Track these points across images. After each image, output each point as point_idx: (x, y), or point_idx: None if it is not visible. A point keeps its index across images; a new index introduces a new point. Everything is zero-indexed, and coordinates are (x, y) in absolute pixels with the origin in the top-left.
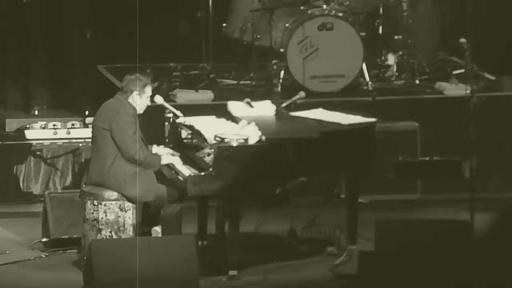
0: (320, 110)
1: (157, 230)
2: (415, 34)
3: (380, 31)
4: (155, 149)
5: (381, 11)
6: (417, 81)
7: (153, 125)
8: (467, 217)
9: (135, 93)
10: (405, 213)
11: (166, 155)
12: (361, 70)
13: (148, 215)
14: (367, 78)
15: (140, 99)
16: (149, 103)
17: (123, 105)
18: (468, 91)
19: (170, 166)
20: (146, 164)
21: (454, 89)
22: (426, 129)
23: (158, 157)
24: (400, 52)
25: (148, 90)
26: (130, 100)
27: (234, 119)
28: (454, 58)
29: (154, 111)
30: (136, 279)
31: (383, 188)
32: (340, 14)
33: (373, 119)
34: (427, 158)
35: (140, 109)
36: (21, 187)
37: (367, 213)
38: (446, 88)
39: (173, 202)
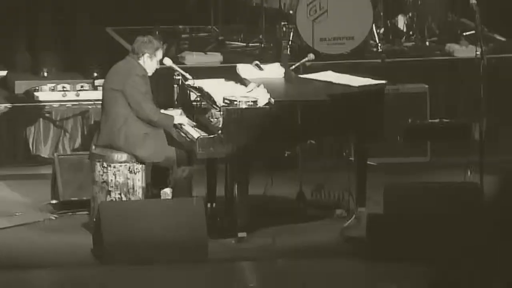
0: (330, 72)
1: (166, 192)
2: None
3: None
4: (166, 111)
5: None
6: (427, 43)
7: (162, 88)
8: (476, 180)
9: (146, 55)
10: (414, 176)
11: (178, 116)
12: (371, 32)
13: (157, 177)
14: (377, 40)
15: (151, 62)
16: (158, 66)
17: (134, 66)
18: (478, 53)
19: (179, 129)
20: (159, 123)
21: (464, 51)
22: (435, 91)
23: (171, 116)
24: (410, 14)
25: (159, 54)
26: (140, 62)
27: (243, 82)
28: (464, 20)
29: (163, 74)
30: (145, 241)
31: (392, 151)
32: None
33: (382, 81)
34: (437, 121)
35: (150, 72)
36: (30, 149)
37: (376, 176)
38: (456, 50)
39: (182, 165)
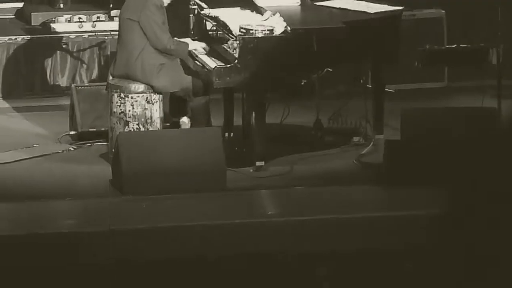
0: None
1: (184, 121)
2: None
3: None
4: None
5: None
6: None
7: (178, 18)
8: (494, 104)
9: None
10: (431, 102)
11: (193, 42)
12: None
13: (175, 106)
14: None
15: None
16: None
17: None
18: None
19: (195, 58)
20: (175, 51)
21: None
22: (452, 16)
23: (185, 44)
24: None
25: None
26: None
27: (259, 10)
28: None
29: (178, 3)
30: (163, 171)
31: (409, 77)
32: None
33: (399, 7)
34: (454, 46)
35: (166, 1)
36: (48, 80)
37: (394, 103)
38: None
39: (199, 94)
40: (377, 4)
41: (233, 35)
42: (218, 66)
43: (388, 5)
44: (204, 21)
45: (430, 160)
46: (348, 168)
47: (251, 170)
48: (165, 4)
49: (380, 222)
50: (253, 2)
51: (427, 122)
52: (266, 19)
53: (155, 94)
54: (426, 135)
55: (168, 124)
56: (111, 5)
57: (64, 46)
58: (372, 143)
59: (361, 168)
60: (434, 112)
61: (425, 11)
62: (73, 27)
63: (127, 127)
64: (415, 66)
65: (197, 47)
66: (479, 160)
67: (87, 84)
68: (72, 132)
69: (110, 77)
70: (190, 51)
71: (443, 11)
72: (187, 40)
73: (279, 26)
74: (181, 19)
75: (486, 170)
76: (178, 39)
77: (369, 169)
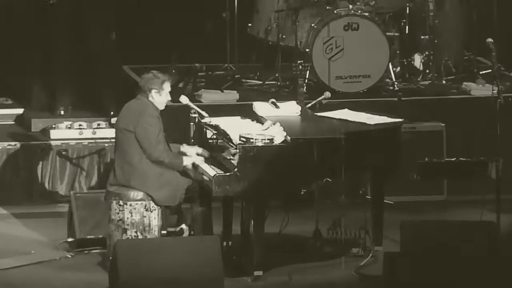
0: (346, 110)
1: (183, 228)
2: (441, 34)
3: (406, 31)
4: (185, 148)
5: (407, 11)
6: (443, 81)
7: (179, 125)
8: (493, 218)
9: (154, 91)
10: (431, 214)
11: (190, 156)
12: (387, 70)
13: (173, 214)
14: (393, 78)
15: (160, 97)
16: (169, 98)
17: (146, 106)
18: (495, 92)
19: (195, 166)
20: (169, 165)
21: (480, 90)
22: (452, 130)
23: (180, 158)
24: (426, 52)
25: (167, 86)
26: (150, 99)
27: (259, 120)
28: (480, 58)
29: (179, 111)
30: (161, 279)
31: (409, 189)
32: (366, 14)
33: (399, 120)
34: (453, 159)
35: (161, 106)
36: (47, 187)
37: (393, 214)
38: (472, 88)
39: (198, 202)
40: (377, 116)
41: (233, 143)
42: (217, 175)
43: (388, 117)
44: (205, 129)
45: (429, 273)
46: (347, 280)
47: (249, 280)
48: (162, 108)
49: None
50: (254, 111)
51: (427, 235)
52: (266, 129)
53: (153, 202)
54: (425, 248)
55: (166, 232)
56: (111, 113)
57: (63, 152)
58: (371, 254)
59: (360, 280)
60: (434, 225)
61: (425, 124)
62: (73, 133)
63: (125, 234)
64: (414, 178)
65: (192, 162)
66: (479, 274)
67: (86, 191)
68: (70, 239)
69: (109, 185)
70: (190, 161)
71: (443, 125)
72: (192, 149)
73: (279, 136)
74: (181, 127)
75: (485, 283)
76: (186, 147)
77: (368, 281)
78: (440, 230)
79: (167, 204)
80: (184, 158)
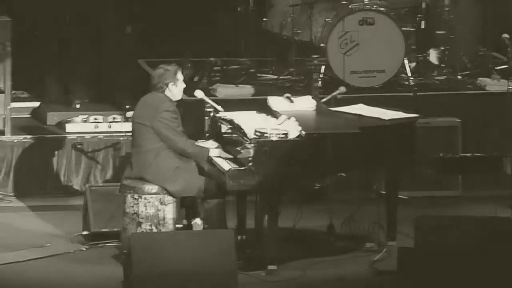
0: (361, 105)
1: (197, 222)
2: (456, 29)
3: (422, 26)
4: (200, 143)
5: (423, 6)
6: (458, 77)
7: (193, 120)
8: (508, 214)
9: (170, 84)
10: (445, 210)
11: (213, 148)
12: (402, 65)
13: (187, 208)
14: (408, 74)
15: (176, 88)
16: (184, 85)
17: (162, 101)
18: (510, 87)
19: (209, 160)
20: (193, 155)
21: (495, 85)
22: (467, 125)
23: (206, 149)
24: (442, 48)
25: (180, 75)
26: (167, 93)
27: (274, 114)
28: (496, 54)
29: (194, 106)
30: (175, 273)
31: (423, 184)
32: (381, 9)
33: (414, 115)
34: (468, 155)
35: (178, 96)
36: (62, 180)
37: (407, 209)
38: (487, 84)
39: (212, 196)
40: (392, 111)
41: (247, 138)
42: (232, 169)
43: (403, 112)
44: (219, 123)
45: (443, 268)
46: (361, 274)
47: (263, 274)
48: (179, 97)
49: None
50: (268, 106)
51: (441, 230)
52: (281, 123)
53: (168, 195)
54: (439, 244)
55: (181, 225)
56: (127, 106)
57: (79, 146)
58: (385, 249)
59: (374, 275)
60: (448, 221)
61: (440, 119)
62: (89, 127)
63: (139, 228)
64: (429, 173)
65: (217, 154)
66: (493, 270)
67: (101, 185)
68: (85, 232)
69: (124, 178)
70: (206, 154)
71: (458, 120)
72: (208, 143)
73: (293, 130)
74: (196, 121)
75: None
76: (200, 143)
77: (381, 276)
78: (455, 225)
79: (183, 195)
80: (211, 149)
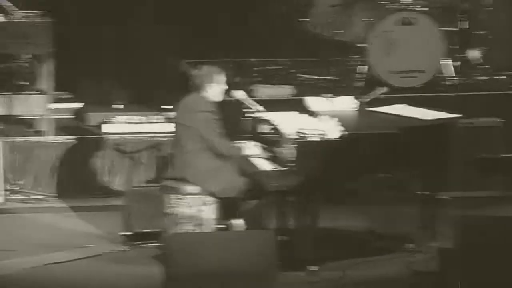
0: (401, 105)
1: (237, 223)
2: (498, 29)
3: (463, 26)
4: (240, 144)
5: (464, 6)
6: (501, 77)
7: (234, 120)
8: None
9: (210, 85)
10: (487, 210)
11: (251, 147)
12: (444, 65)
13: (229, 208)
14: (449, 73)
15: (213, 89)
16: (225, 87)
17: (201, 102)
18: None
19: (250, 161)
20: (232, 156)
21: None
22: (510, 125)
23: (245, 149)
24: (484, 47)
25: (217, 77)
26: (205, 93)
27: (315, 114)
28: None
29: (234, 106)
30: (216, 273)
31: (465, 185)
32: (422, 9)
33: (455, 115)
34: (510, 155)
35: (217, 98)
36: (103, 181)
37: (448, 210)
38: None
39: (253, 197)
40: (433, 111)
41: (288, 138)
42: (273, 169)
43: (445, 112)
44: (260, 124)
45: (484, 270)
46: (400, 275)
47: (304, 275)
48: (219, 99)
49: None
50: (309, 106)
51: (482, 231)
52: (322, 123)
53: (209, 196)
54: (480, 245)
55: (221, 226)
56: (168, 107)
57: (120, 146)
58: (425, 250)
59: (413, 276)
60: (489, 221)
61: (482, 119)
62: (130, 128)
63: (180, 228)
64: (471, 174)
65: (254, 152)
66: None
67: (142, 185)
68: (126, 233)
69: (165, 179)
70: (246, 155)
71: (500, 120)
72: (248, 144)
73: (334, 130)
74: (236, 121)
75: None
76: (238, 144)
77: (421, 277)
78: (496, 226)
79: (224, 195)
80: (248, 148)
